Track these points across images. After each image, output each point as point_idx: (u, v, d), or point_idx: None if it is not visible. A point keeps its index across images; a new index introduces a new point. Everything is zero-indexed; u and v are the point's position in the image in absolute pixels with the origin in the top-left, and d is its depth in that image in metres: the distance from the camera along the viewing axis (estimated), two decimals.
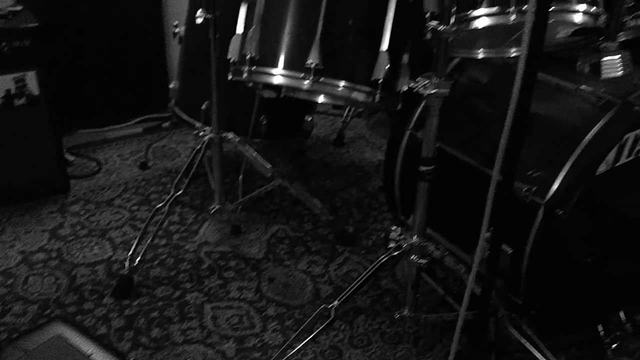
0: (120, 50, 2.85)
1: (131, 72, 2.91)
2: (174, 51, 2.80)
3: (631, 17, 1.63)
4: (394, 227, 1.69)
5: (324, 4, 1.59)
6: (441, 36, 1.40)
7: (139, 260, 2.02)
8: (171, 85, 2.43)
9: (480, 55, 1.70)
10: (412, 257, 1.65)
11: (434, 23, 1.40)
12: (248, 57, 1.66)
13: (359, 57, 1.64)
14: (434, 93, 1.45)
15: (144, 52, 2.90)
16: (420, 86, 1.47)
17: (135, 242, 2.08)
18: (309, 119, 2.36)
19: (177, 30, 2.38)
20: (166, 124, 2.94)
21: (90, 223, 2.32)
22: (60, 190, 2.48)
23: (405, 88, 1.65)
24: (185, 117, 2.36)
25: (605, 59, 1.61)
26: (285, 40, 1.64)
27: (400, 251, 1.66)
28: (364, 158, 2.83)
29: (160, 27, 2.90)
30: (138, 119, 3.01)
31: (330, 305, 1.71)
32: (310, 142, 2.90)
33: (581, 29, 1.57)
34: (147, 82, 2.93)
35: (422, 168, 1.55)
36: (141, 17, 2.85)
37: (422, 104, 1.86)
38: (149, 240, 2.08)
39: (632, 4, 1.62)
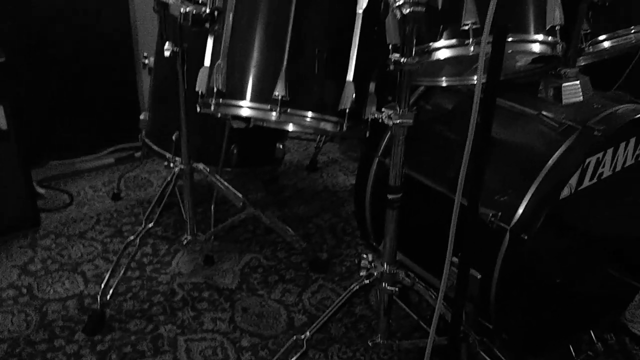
0: (91, 81, 2.84)
1: (102, 102, 2.90)
2: (146, 81, 2.80)
3: (588, 43, 1.67)
4: (364, 255, 1.70)
5: (289, 36, 1.61)
6: (403, 68, 1.43)
7: (111, 294, 2.01)
8: (141, 116, 2.43)
9: (444, 84, 1.74)
10: (383, 285, 1.66)
11: (396, 55, 1.43)
12: (215, 90, 1.67)
13: (326, 88, 1.66)
14: (398, 123, 1.48)
15: (115, 82, 2.90)
16: (384, 117, 1.49)
17: (107, 275, 2.06)
18: (280, 146, 2.38)
19: (146, 61, 2.38)
20: (138, 154, 2.94)
21: (62, 257, 2.30)
22: (31, 224, 2.46)
23: (372, 116, 1.67)
24: (155, 148, 2.36)
25: (565, 84, 1.65)
26: (252, 72, 1.65)
27: (372, 279, 1.67)
28: (338, 183, 2.85)
29: (131, 57, 2.91)
30: (110, 149, 3.01)
31: (303, 336, 1.71)
32: (284, 168, 2.92)
33: (540, 57, 1.61)
34: (118, 112, 2.93)
35: (390, 196, 1.57)
36: (112, 47, 2.85)
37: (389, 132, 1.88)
38: (121, 273, 2.07)
39: (589, 30, 1.66)
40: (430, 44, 1.45)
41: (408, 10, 1.35)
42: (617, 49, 1.71)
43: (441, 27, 1.44)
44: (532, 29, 1.44)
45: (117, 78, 2.90)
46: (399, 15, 1.36)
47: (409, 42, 1.40)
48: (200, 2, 1.79)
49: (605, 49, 1.69)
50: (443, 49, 1.44)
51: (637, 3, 1.66)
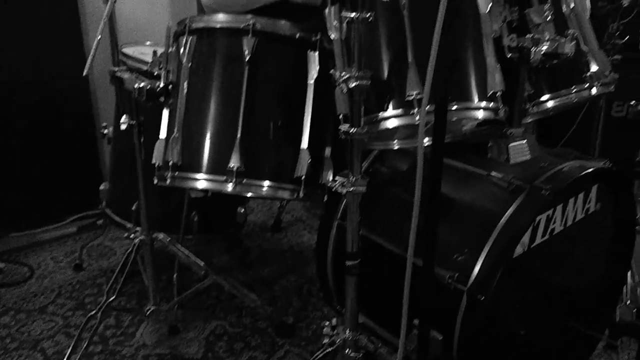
0: (51, 149, 2.84)
1: (63, 171, 2.89)
2: (107, 150, 2.81)
3: (532, 104, 1.73)
4: (326, 322, 1.69)
5: (242, 108, 1.64)
6: (353, 137, 1.46)
7: None
8: (101, 187, 2.43)
9: (396, 146, 1.77)
10: (346, 352, 1.65)
11: (345, 126, 1.46)
12: (171, 162, 1.69)
13: (281, 156, 1.69)
14: (351, 191, 1.50)
15: (76, 151, 2.90)
16: (338, 185, 1.51)
17: (69, 351, 2.02)
18: (242, 210, 2.39)
19: (105, 131, 2.39)
20: (101, 221, 2.92)
21: (21, 334, 2.24)
22: None
23: (327, 184, 1.70)
24: (116, 218, 2.35)
25: (512, 144, 1.69)
26: (207, 144, 1.68)
27: (335, 347, 1.66)
28: (302, 242, 2.85)
29: (91, 127, 2.91)
30: (72, 218, 2.98)
31: None
32: (248, 229, 2.92)
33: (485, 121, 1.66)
34: (80, 181, 2.92)
35: (348, 263, 1.58)
36: (72, 117, 2.86)
37: None
38: (82, 349, 2.03)
39: (532, 91, 1.72)
40: (379, 113, 1.49)
41: (354, 84, 1.39)
42: (560, 108, 1.77)
43: (388, 97, 1.49)
44: (474, 96, 1.49)
45: (78, 147, 2.90)
46: (345, 90, 1.40)
47: (357, 112, 1.44)
48: (156, 73, 1.83)
49: (548, 109, 1.75)
50: (391, 119, 1.48)
51: (577, 65, 1.73)
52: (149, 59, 2.14)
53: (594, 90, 1.72)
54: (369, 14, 1.36)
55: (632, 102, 2.09)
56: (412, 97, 1.43)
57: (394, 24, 1.49)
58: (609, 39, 2.32)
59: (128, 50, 2.29)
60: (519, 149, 1.70)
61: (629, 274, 2.13)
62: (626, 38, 2.29)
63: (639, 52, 2.68)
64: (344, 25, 1.44)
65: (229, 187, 1.63)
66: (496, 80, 1.51)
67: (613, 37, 2.31)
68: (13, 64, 2.66)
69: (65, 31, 2.77)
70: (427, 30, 1.31)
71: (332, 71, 1.42)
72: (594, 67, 1.73)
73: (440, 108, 1.34)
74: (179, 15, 3.05)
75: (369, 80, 1.39)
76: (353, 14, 1.35)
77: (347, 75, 1.39)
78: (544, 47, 1.56)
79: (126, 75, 1.89)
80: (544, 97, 1.74)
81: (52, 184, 2.88)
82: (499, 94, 1.51)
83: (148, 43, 2.45)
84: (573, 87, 1.73)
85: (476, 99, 1.49)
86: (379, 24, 1.50)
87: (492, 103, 1.50)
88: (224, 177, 1.63)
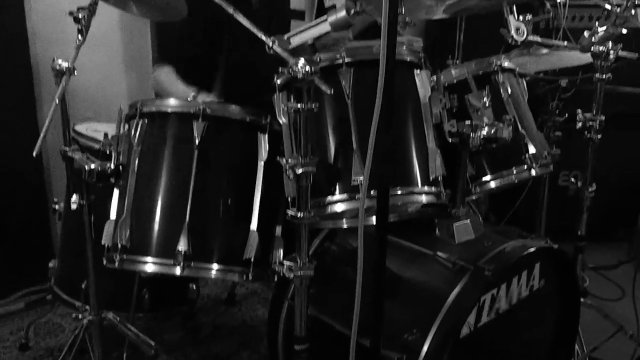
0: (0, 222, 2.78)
1: (12, 245, 2.82)
2: (58, 225, 2.77)
3: (474, 184, 1.79)
4: None
5: (190, 191, 1.65)
6: (300, 222, 1.49)
7: None
8: (50, 264, 2.38)
9: (345, 225, 1.80)
10: None
11: (293, 210, 1.49)
12: (120, 245, 1.68)
13: (230, 239, 1.70)
14: (299, 275, 1.52)
15: (26, 225, 2.84)
16: (285, 270, 1.53)
17: None
18: (194, 286, 2.37)
19: (56, 207, 2.36)
20: (50, 297, 2.84)
21: None
22: None
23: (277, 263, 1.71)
24: (64, 296, 2.30)
25: (457, 224, 1.75)
26: (155, 227, 1.68)
27: None
28: (257, 316, 2.82)
29: (43, 201, 2.88)
30: (20, 293, 2.90)
31: None
32: (202, 302, 2.87)
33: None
34: (29, 255, 2.84)
35: (296, 347, 1.58)
36: (25, 191, 2.81)
37: None
38: None
39: (474, 172, 1.79)
40: (327, 197, 1.53)
41: (301, 171, 1.43)
42: (502, 188, 1.84)
43: (334, 181, 1.53)
44: (417, 180, 1.55)
45: (28, 221, 2.85)
46: (292, 176, 1.43)
47: (304, 197, 1.47)
48: (108, 152, 1.84)
49: (491, 188, 1.82)
50: (338, 203, 1.52)
51: (516, 146, 1.81)
52: (101, 137, 2.15)
53: (533, 172, 1.79)
54: (314, 104, 1.41)
55: (572, 179, 2.16)
56: (357, 183, 1.48)
57: (339, 113, 1.55)
58: (550, 116, 2.43)
59: (81, 127, 2.29)
60: (464, 228, 1.76)
61: (576, 346, 2.16)
62: (565, 116, 2.40)
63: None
64: (291, 113, 1.49)
65: (177, 270, 1.62)
66: (437, 165, 1.57)
67: (553, 115, 2.43)
68: None
69: (19, 109, 2.78)
70: (370, 118, 1.36)
71: (278, 158, 1.46)
72: (532, 149, 1.82)
73: (383, 194, 1.38)
74: (134, 90, 3.12)
75: (315, 167, 1.44)
76: (299, 105, 1.40)
77: (294, 162, 1.43)
78: (483, 132, 1.63)
79: (77, 156, 1.89)
80: (486, 178, 1.81)
81: (1, 258, 2.81)
82: (440, 178, 1.57)
83: (102, 120, 2.46)
84: (513, 168, 1.81)
85: (419, 184, 1.55)
86: (325, 112, 1.55)
87: (434, 187, 1.56)
88: (172, 261, 1.63)
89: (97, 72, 2.87)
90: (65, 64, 1.81)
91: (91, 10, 1.83)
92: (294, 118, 1.46)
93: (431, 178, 1.56)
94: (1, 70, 2.71)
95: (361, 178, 1.47)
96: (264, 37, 1.43)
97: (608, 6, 1.93)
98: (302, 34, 1.44)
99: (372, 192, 1.45)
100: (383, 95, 1.31)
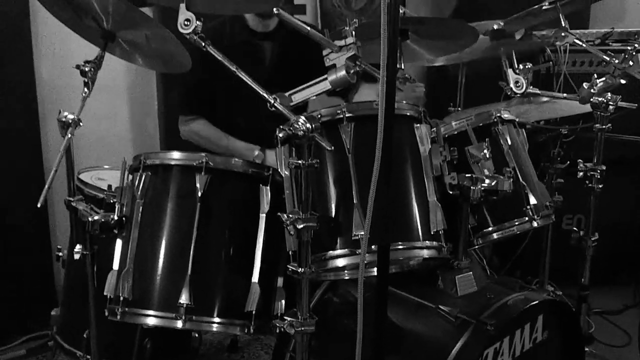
0: (4, 268, 2.78)
1: (15, 291, 2.82)
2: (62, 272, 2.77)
3: (477, 236, 1.79)
4: None
5: (193, 244, 1.66)
6: (301, 277, 1.49)
7: None
8: (53, 312, 2.38)
9: (347, 277, 1.80)
10: None
11: (294, 264, 1.49)
12: (122, 298, 1.68)
13: (231, 292, 1.70)
14: (299, 331, 1.51)
15: (29, 272, 2.85)
16: (286, 325, 1.52)
17: None
18: (196, 335, 2.35)
19: (60, 254, 2.37)
20: (51, 343, 2.83)
21: None
22: None
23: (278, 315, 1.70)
24: (66, 346, 2.29)
25: (459, 276, 1.74)
26: (157, 280, 1.68)
27: None
28: None
29: (47, 248, 2.88)
30: (22, 339, 2.88)
31: None
32: (204, 349, 2.85)
33: None
34: (32, 302, 2.84)
35: None
36: (27, 237, 2.82)
37: None
38: None
39: (476, 224, 1.79)
40: (327, 252, 1.54)
41: (302, 226, 1.43)
42: (504, 239, 1.84)
43: (335, 236, 1.53)
44: (418, 235, 1.55)
45: (31, 267, 2.85)
46: (292, 231, 1.44)
47: (304, 253, 1.47)
48: (112, 201, 1.85)
49: (493, 239, 1.82)
50: (339, 258, 1.52)
51: (517, 197, 1.81)
52: (105, 185, 2.18)
53: (534, 224, 1.80)
54: (315, 160, 1.42)
55: (574, 228, 2.16)
56: (358, 237, 1.48)
57: (340, 167, 1.57)
58: (551, 163, 2.45)
59: (85, 175, 2.31)
60: (466, 280, 1.76)
61: None
62: (567, 163, 2.41)
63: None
64: (292, 168, 1.50)
65: (179, 324, 1.62)
66: (438, 219, 1.57)
67: (555, 162, 2.44)
68: None
69: (26, 154, 2.82)
70: (370, 172, 1.36)
71: (279, 214, 1.47)
72: (533, 200, 1.82)
73: (383, 250, 1.38)
74: (139, 135, 3.15)
75: (316, 222, 1.44)
76: (300, 161, 1.42)
77: (295, 218, 1.44)
78: (484, 185, 1.64)
79: (81, 207, 1.90)
80: (488, 229, 1.82)
81: (3, 303, 2.81)
82: (441, 232, 1.57)
83: (107, 167, 2.48)
84: (515, 220, 1.82)
85: (420, 238, 1.55)
86: (326, 165, 1.57)
87: (435, 242, 1.56)
88: (174, 314, 1.62)
89: (102, 117, 2.92)
90: (71, 116, 1.84)
91: (97, 63, 1.87)
92: (295, 173, 1.48)
93: (432, 232, 1.57)
94: (9, 116, 2.75)
95: (362, 233, 1.47)
96: (265, 95, 1.45)
97: (607, 57, 1.96)
98: (304, 92, 1.47)
99: (373, 247, 1.45)
100: (382, 150, 1.32)
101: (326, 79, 1.43)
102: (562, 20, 2.02)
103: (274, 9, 1.42)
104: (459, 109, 2.80)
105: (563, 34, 2.02)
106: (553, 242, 2.68)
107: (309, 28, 1.46)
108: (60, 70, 2.84)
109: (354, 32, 1.42)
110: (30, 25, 2.75)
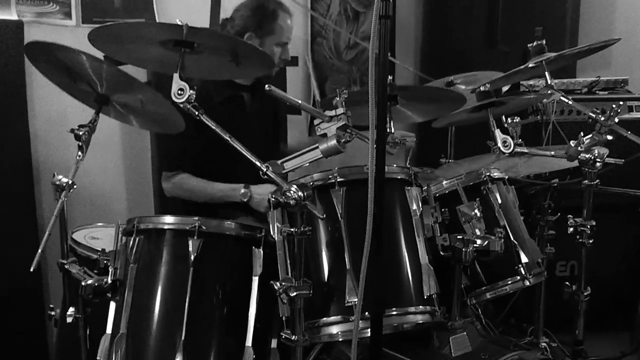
0: None
1: (7, 348, 2.79)
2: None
3: (470, 295, 1.80)
4: None
5: (186, 308, 1.65)
6: (294, 344, 1.49)
7: None
8: None
9: (341, 339, 1.79)
10: None
11: (287, 333, 1.49)
12: None
13: (225, 356, 1.69)
14: None
15: (22, 329, 2.81)
16: None
17: None
18: None
19: (53, 313, 2.36)
20: None
21: None
22: None
23: None
24: None
25: (453, 337, 1.75)
26: (151, 344, 1.67)
27: None
28: None
29: (40, 306, 2.86)
30: None
31: None
32: None
33: None
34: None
35: None
36: (21, 295, 2.79)
37: None
38: None
39: (469, 283, 1.80)
40: (321, 319, 1.54)
41: (294, 294, 1.44)
42: (497, 297, 1.84)
43: (328, 303, 1.54)
44: (412, 300, 1.56)
45: (23, 325, 2.82)
46: (285, 300, 1.44)
47: (298, 319, 1.48)
48: (105, 264, 1.85)
49: (487, 299, 1.83)
50: (332, 325, 1.52)
51: (509, 257, 1.83)
52: (99, 245, 2.18)
53: (527, 282, 1.81)
54: (307, 228, 1.44)
55: (567, 282, 2.17)
56: (351, 304, 1.49)
57: (332, 231, 1.58)
58: (542, 215, 2.47)
59: (79, 235, 2.32)
60: (460, 341, 1.76)
61: None
62: (557, 215, 2.44)
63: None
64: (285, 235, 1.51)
65: None
66: (431, 284, 1.58)
67: (545, 214, 2.46)
68: None
69: (19, 209, 2.81)
70: (362, 237, 1.38)
71: (272, 282, 1.47)
72: (524, 258, 1.84)
73: (376, 317, 1.38)
74: (133, 192, 3.15)
75: (309, 290, 1.45)
76: (292, 229, 1.43)
77: (288, 285, 1.45)
78: (475, 246, 1.66)
79: (74, 270, 1.91)
80: (481, 289, 1.83)
81: None
82: (434, 296, 1.58)
83: (100, 224, 2.48)
84: (508, 279, 1.83)
85: (414, 303, 1.56)
86: (318, 231, 1.58)
87: (428, 306, 1.57)
88: None
89: (96, 175, 2.93)
90: (65, 179, 1.85)
91: (92, 127, 1.89)
92: (288, 239, 1.49)
93: (425, 296, 1.58)
94: (2, 172, 2.76)
95: (355, 300, 1.48)
96: (257, 163, 1.47)
97: (592, 114, 1.99)
98: (295, 160, 1.49)
99: (366, 313, 1.46)
100: (374, 215, 1.34)
101: (318, 147, 1.45)
102: (547, 78, 2.06)
103: (266, 87, 1.45)
104: (450, 160, 2.83)
105: (549, 92, 2.06)
106: (547, 289, 2.69)
107: (300, 101, 1.50)
108: (54, 123, 2.87)
109: (344, 103, 1.45)
110: (26, 87, 2.77)
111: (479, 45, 3.59)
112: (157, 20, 3.04)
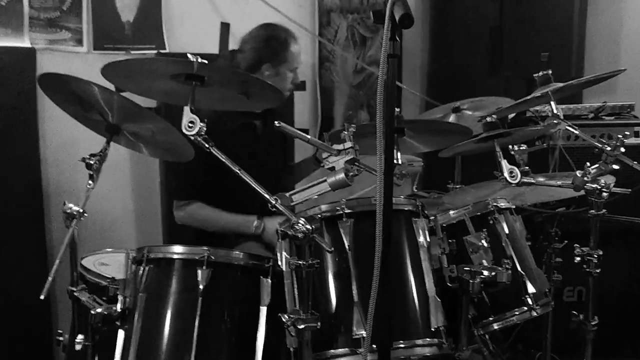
0: (3, 352, 2.77)
1: None
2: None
3: (478, 326, 1.81)
4: None
5: (195, 337, 1.66)
6: None
7: None
8: None
9: None
10: None
11: None
12: None
13: None
14: None
15: (30, 357, 2.83)
16: None
17: None
18: None
19: (61, 338, 2.36)
20: None
21: None
22: None
23: None
24: None
25: None
26: None
27: None
28: None
29: (48, 330, 2.87)
30: None
31: None
32: None
33: None
34: None
35: None
36: (29, 319, 2.81)
37: None
38: None
39: (476, 313, 1.81)
40: (329, 351, 1.55)
41: (302, 326, 1.45)
42: (505, 328, 1.85)
43: (336, 335, 1.54)
44: (419, 332, 1.57)
45: (31, 351, 2.84)
46: (293, 332, 1.45)
47: (306, 352, 1.48)
48: (113, 294, 1.87)
49: (494, 330, 1.83)
50: (340, 358, 1.53)
51: (516, 288, 1.83)
52: (108, 271, 2.20)
53: (534, 313, 1.81)
54: (315, 261, 1.45)
55: (574, 312, 2.17)
56: (359, 337, 1.50)
57: (340, 263, 1.59)
58: (549, 242, 2.47)
59: (88, 261, 2.33)
60: None
61: None
62: (564, 243, 2.44)
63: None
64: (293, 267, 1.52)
65: None
66: (439, 316, 1.59)
67: (552, 241, 2.47)
68: None
69: (30, 248, 2.85)
70: (370, 269, 1.39)
71: (280, 315, 1.48)
72: (531, 289, 1.84)
73: (384, 350, 1.39)
74: (142, 217, 3.17)
75: (317, 323, 1.46)
76: (300, 262, 1.44)
77: (296, 317, 1.46)
78: (482, 277, 1.66)
79: (83, 297, 1.92)
80: (489, 319, 1.83)
81: None
82: (442, 328, 1.59)
83: (109, 250, 2.50)
84: (515, 309, 1.83)
85: (421, 336, 1.57)
86: (326, 263, 1.59)
87: (436, 339, 1.57)
88: None
89: (104, 200, 2.95)
90: (75, 208, 1.87)
91: (102, 156, 1.92)
92: (296, 271, 1.50)
93: (433, 328, 1.58)
94: (12, 195, 2.79)
95: (363, 333, 1.48)
96: (266, 196, 1.49)
97: (599, 145, 2.01)
98: (304, 192, 1.51)
99: (374, 345, 1.46)
100: (382, 247, 1.35)
101: (325, 180, 1.47)
102: (553, 108, 2.08)
103: (276, 123, 1.47)
104: (458, 186, 2.84)
105: (556, 122, 2.07)
106: (555, 315, 2.68)
107: (309, 137, 1.52)
108: (63, 148, 2.90)
109: (351, 137, 1.47)
110: (37, 112, 2.81)
111: (484, 71, 3.63)
112: (167, 47, 3.08)
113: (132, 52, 3.02)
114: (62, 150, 2.93)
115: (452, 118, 2.76)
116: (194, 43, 2.68)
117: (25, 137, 2.83)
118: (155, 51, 3.06)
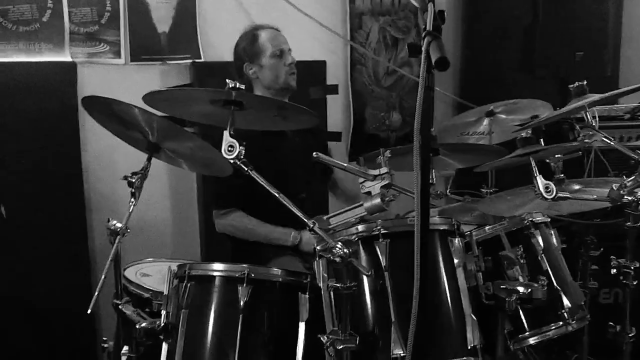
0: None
1: None
2: None
3: (513, 341, 1.82)
4: None
5: (236, 354, 1.71)
6: None
7: None
8: None
9: None
10: None
11: None
12: None
13: None
14: None
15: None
16: None
17: None
18: None
19: (106, 345, 2.44)
20: None
21: None
22: None
23: None
24: None
25: None
26: None
27: None
28: None
29: (92, 335, 2.96)
30: None
31: None
32: None
33: None
34: None
35: None
36: (74, 325, 2.88)
37: None
38: None
39: (512, 329, 1.82)
40: None
41: (341, 347, 1.49)
42: (542, 343, 1.86)
43: (375, 355, 1.58)
44: (455, 352, 1.59)
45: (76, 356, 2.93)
46: (332, 353, 1.49)
47: None
48: (157, 307, 1.93)
49: (530, 345, 1.85)
50: None
51: (552, 302, 1.84)
52: (149, 282, 2.26)
53: (569, 328, 1.82)
54: (353, 283, 1.49)
55: (611, 322, 2.17)
56: (397, 357, 1.53)
57: (377, 283, 1.62)
58: (585, 250, 2.47)
59: (130, 272, 2.40)
60: None
61: None
62: (600, 250, 2.43)
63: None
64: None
65: None
66: (475, 334, 1.61)
67: (588, 249, 2.46)
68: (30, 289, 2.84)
69: (73, 255, 2.95)
70: (407, 289, 1.41)
71: (319, 335, 1.52)
72: (567, 303, 1.85)
73: None
74: (180, 226, 3.23)
75: (355, 344, 1.49)
76: (338, 284, 1.48)
77: (334, 338, 1.50)
78: (518, 294, 1.68)
79: (128, 311, 1.99)
80: (524, 334, 1.84)
81: None
82: (479, 346, 1.61)
83: (149, 259, 2.57)
84: (551, 324, 1.84)
85: (458, 355, 1.59)
86: (363, 283, 1.62)
87: (472, 357, 1.60)
88: None
89: (144, 208, 3.01)
90: (119, 225, 1.93)
91: (143, 174, 1.98)
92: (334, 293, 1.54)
93: (469, 347, 1.60)
94: (56, 206, 2.88)
95: (401, 352, 1.52)
96: (304, 219, 1.53)
97: (635, 156, 2.00)
98: (341, 215, 1.54)
99: None
100: (419, 267, 1.36)
101: (362, 205, 1.50)
102: (588, 119, 2.07)
103: (314, 154, 1.51)
104: (492, 190, 2.83)
105: (591, 133, 2.06)
106: (591, 317, 2.68)
107: (345, 164, 1.55)
108: (103, 156, 2.98)
109: (387, 162, 1.49)
110: (79, 124, 2.90)
111: (517, 70, 3.59)
112: (202, 56, 3.13)
113: (169, 62, 3.08)
114: (102, 158, 3.00)
115: (485, 122, 2.75)
116: (228, 51, 2.71)
117: (67, 146, 2.92)
118: (190, 61, 3.11)
